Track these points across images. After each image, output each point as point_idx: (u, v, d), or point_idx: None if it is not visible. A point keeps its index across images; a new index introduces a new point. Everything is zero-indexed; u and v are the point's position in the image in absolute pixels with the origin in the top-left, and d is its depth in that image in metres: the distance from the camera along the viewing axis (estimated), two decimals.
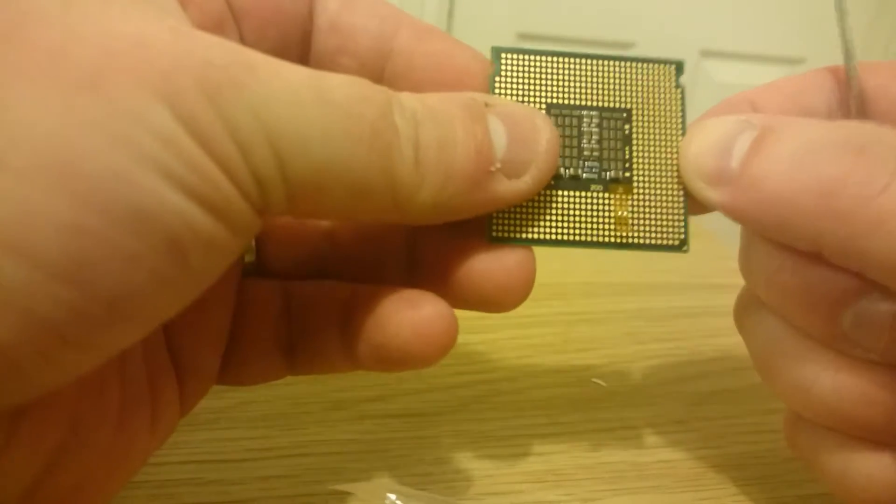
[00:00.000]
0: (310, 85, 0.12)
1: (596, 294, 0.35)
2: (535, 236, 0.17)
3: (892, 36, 1.03)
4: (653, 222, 0.17)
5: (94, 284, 0.10)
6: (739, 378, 0.27)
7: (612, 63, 0.17)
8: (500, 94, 0.17)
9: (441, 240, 0.17)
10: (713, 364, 0.28)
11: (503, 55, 0.17)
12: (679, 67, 0.18)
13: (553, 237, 0.17)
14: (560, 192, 0.17)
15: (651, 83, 0.17)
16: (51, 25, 0.10)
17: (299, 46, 0.17)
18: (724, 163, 0.15)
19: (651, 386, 0.26)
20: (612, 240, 0.17)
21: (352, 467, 0.20)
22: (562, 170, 0.17)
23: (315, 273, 0.18)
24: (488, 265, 0.16)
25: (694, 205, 0.17)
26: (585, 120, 0.17)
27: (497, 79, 0.17)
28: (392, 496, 0.19)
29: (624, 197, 0.17)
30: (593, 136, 0.17)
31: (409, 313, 0.15)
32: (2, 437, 0.11)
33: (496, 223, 0.17)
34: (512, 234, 0.17)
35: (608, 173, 0.17)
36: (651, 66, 0.17)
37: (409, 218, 0.14)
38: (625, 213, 0.17)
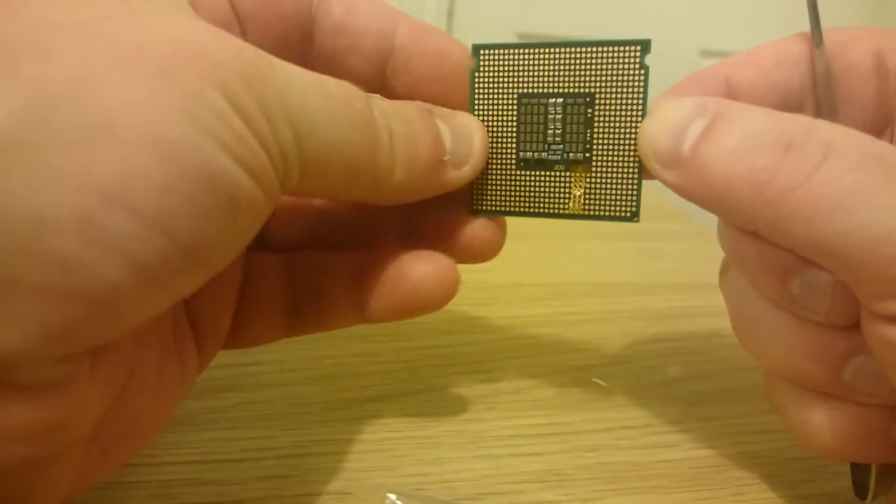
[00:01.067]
0: (314, 82, 0.15)
1: (596, 294, 0.35)
2: (508, 209, 0.20)
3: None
4: (607, 197, 0.19)
5: (179, 234, 0.12)
6: (739, 378, 0.27)
7: (578, 49, 0.18)
8: (478, 88, 0.20)
9: (430, 214, 0.21)
10: (713, 364, 0.28)
11: (481, 51, 0.19)
12: (645, 47, 0.18)
13: (522, 209, 0.20)
14: (528, 173, 0.20)
15: (615, 66, 0.18)
16: (125, 25, 0.12)
17: (297, 46, 0.19)
18: (677, 146, 0.17)
19: (651, 386, 0.26)
20: (571, 212, 0.19)
21: (352, 467, 0.20)
22: (530, 154, 0.19)
23: (313, 246, 0.21)
24: (472, 230, 0.20)
25: (647, 175, 0.18)
26: (551, 107, 0.19)
27: (476, 74, 0.19)
28: (392, 496, 0.19)
29: (582, 176, 0.19)
30: (557, 122, 0.19)
31: (428, 266, 0.19)
32: (88, 369, 0.13)
33: (476, 199, 0.20)
34: (488, 207, 0.20)
35: (569, 155, 0.19)
36: (615, 48, 0.18)
37: (384, 196, 0.18)
38: (580, 192, 0.19)
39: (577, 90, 0.18)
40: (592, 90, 0.18)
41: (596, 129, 0.18)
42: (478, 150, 0.19)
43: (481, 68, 0.19)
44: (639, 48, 0.18)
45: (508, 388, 0.25)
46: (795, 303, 0.17)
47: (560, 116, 0.19)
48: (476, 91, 0.19)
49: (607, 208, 0.19)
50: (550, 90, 0.19)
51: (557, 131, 0.19)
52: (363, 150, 0.16)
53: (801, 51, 0.20)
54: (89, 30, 0.12)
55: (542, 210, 0.20)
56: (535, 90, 0.19)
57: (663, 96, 0.19)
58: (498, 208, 0.20)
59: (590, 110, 0.18)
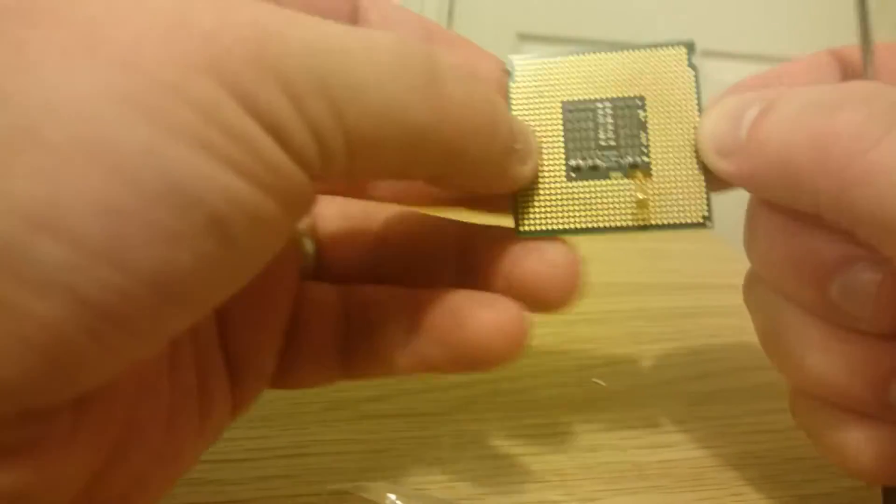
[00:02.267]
0: (354, 36, 0.12)
1: (596, 294, 0.35)
2: (561, 226, 0.18)
3: (892, 36, 1.03)
4: (674, 201, 0.17)
5: (137, 265, 0.09)
6: (739, 378, 0.27)
7: (621, 54, 0.18)
8: (516, 100, 0.18)
9: (489, 245, 0.17)
10: (713, 364, 0.28)
11: (516, 63, 0.18)
12: (690, 48, 0.18)
13: (578, 226, 0.17)
14: (581, 183, 0.18)
15: (663, 67, 0.18)
16: (88, 2, 0.10)
17: None
18: (734, 133, 0.16)
19: (651, 386, 0.26)
20: (635, 223, 0.17)
21: (352, 467, 0.20)
22: (580, 161, 0.18)
23: (368, 279, 0.19)
24: (534, 265, 0.17)
25: (713, 181, 0.17)
26: (600, 112, 0.18)
27: (512, 85, 0.18)
28: (392, 496, 0.19)
29: (644, 181, 0.17)
30: (609, 127, 0.18)
31: (488, 313, 0.16)
32: (67, 428, 0.11)
33: (522, 218, 0.18)
34: (539, 227, 0.18)
35: (626, 160, 0.18)
36: (662, 50, 0.18)
37: (454, 173, 0.15)
38: (645, 196, 0.17)
39: (626, 94, 0.18)
40: (643, 93, 0.18)
41: (651, 132, 0.18)
42: (535, 149, 0.17)
43: (517, 80, 0.18)
44: (685, 49, 0.18)
45: (508, 388, 0.25)
46: (835, 309, 0.15)
47: (611, 121, 0.18)
48: (513, 103, 0.18)
49: (676, 214, 0.17)
50: (597, 96, 0.18)
51: (610, 136, 0.18)
52: (426, 115, 0.13)
53: (833, 68, 0.18)
54: (36, 9, 0.10)
55: (601, 224, 0.17)
56: (581, 97, 0.18)
57: (718, 96, 0.18)
58: (550, 226, 0.18)
59: (642, 112, 0.18)
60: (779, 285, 0.17)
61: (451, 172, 0.15)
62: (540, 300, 0.17)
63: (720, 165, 0.16)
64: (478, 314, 0.16)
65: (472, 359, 0.16)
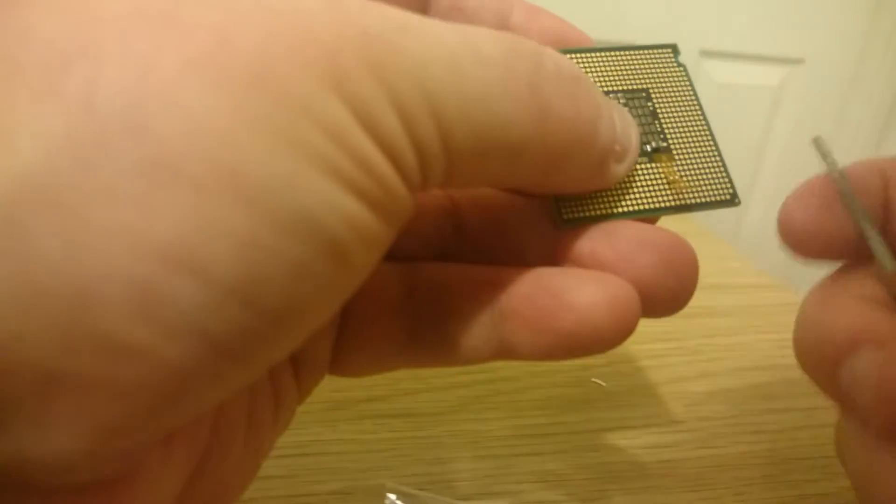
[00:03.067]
0: (463, 42, 0.11)
1: None
2: (602, 212, 0.17)
3: (892, 36, 1.03)
4: (702, 182, 0.18)
5: (265, 302, 0.09)
6: (739, 378, 0.27)
7: (617, 53, 0.19)
8: None
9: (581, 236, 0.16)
10: (713, 364, 0.28)
11: None
12: (674, 49, 0.19)
13: (617, 210, 0.17)
14: None
15: (656, 65, 0.19)
16: (208, 6, 0.09)
17: None
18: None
19: (651, 386, 0.26)
20: (672, 203, 0.17)
21: (352, 467, 0.20)
22: None
23: (431, 257, 0.17)
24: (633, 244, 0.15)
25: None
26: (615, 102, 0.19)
27: None
28: (392, 496, 0.19)
29: (669, 164, 0.18)
30: None
31: (600, 290, 0.14)
32: (161, 452, 0.11)
33: (564, 208, 0.17)
34: (581, 214, 0.17)
35: (649, 146, 0.18)
36: (650, 51, 0.19)
37: (545, 187, 0.14)
38: (676, 177, 0.18)
39: (632, 87, 0.19)
40: (646, 86, 0.19)
41: (663, 119, 0.18)
42: (635, 145, 0.16)
43: None
44: (670, 51, 0.19)
45: (508, 388, 0.25)
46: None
47: (626, 110, 0.18)
48: None
49: (707, 194, 0.18)
50: (608, 88, 0.19)
51: None
52: (531, 129, 0.12)
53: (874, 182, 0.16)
54: (158, 17, 0.09)
55: (638, 207, 0.17)
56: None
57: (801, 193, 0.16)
58: (591, 213, 0.17)
59: (650, 103, 0.19)
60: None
61: (546, 180, 0.14)
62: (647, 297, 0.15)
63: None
64: (586, 291, 0.14)
65: (577, 344, 0.14)
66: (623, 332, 0.14)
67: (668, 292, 0.15)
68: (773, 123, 1.11)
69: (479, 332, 0.15)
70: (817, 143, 0.17)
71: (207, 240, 0.08)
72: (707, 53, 1.05)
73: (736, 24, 1.04)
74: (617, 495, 0.20)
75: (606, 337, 0.14)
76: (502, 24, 0.17)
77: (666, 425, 0.24)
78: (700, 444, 0.23)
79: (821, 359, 0.14)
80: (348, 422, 0.22)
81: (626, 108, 0.18)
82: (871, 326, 0.14)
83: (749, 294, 0.31)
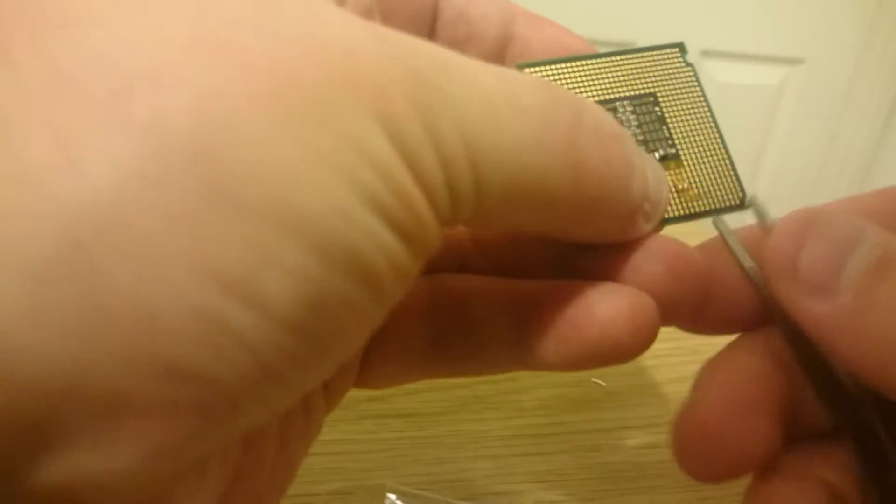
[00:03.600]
0: (502, 90, 0.11)
1: None
2: None
3: (893, 36, 1.03)
4: (710, 187, 0.17)
5: (314, 332, 0.09)
6: None
7: (621, 57, 0.18)
8: None
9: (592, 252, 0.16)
10: None
11: (526, 70, 0.18)
12: (681, 48, 0.18)
13: None
14: None
15: (663, 67, 0.18)
16: (260, 31, 0.09)
17: (426, 34, 0.17)
18: (833, 270, 0.13)
19: (651, 386, 0.26)
20: (681, 212, 0.17)
21: (352, 467, 0.20)
22: None
23: (455, 269, 0.17)
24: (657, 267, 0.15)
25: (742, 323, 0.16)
26: (620, 111, 0.18)
27: None
28: (392, 496, 0.19)
29: (677, 171, 0.17)
30: (632, 123, 0.18)
31: (621, 302, 0.14)
32: (197, 472, 0.11)
33: None
34: None
35: (657, 153, 0.18)
36: (656, 52, 0.18)
37: (579, 232, 0.14)
38: (685, 185, 0.17)
39: (639, 92, 0.18)
40: (653, 90, 0.18)
41: (671, 124, 0.18)
42: (664, 205, 0.15)
43: None
44: (677, 50, 0.18)
45: (508, 388, 0.25)
46: None
47: (633, 118, 0.18)
48: None
49: (715, 199, 0.17)
50: (614, 95, 0.18)
51: (636, 132, 0.18)
52: (563, 184, 0.12)
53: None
54: (216, 43, 0.09)
55: None
56: (600, 98, 0.18)
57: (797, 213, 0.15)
58: None
59: (657, 108, 0.18)
60: None
61: (571, 231, 0.14)
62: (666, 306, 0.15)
63: (800, 301, 0.14)
64: (608, 303, 0.14)
65: (600, 354, 0.14)
66: (643, 342, 0.14)
67: (674, 301, 0.15)
68: (773, 123, 1.11)
69: (502, 342, 0.16)
70: (753, 202, 0.17)
71: (263, 270, 0.09)
72: (707, 53, 1.05)
73: (736, 24, 1.04)
74: (617, 495, 0.20)
75: (628, 347, 0.14)
76: (506, 34, 0.17)
77: (666, 425, 0.24)
78: None
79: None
80: (348, 422, 0.22)
81: (633, 116, 0.18)
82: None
83: None
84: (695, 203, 0.17)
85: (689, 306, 0.15)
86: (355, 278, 0.10)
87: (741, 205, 0.18)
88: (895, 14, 1.02)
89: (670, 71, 0.18)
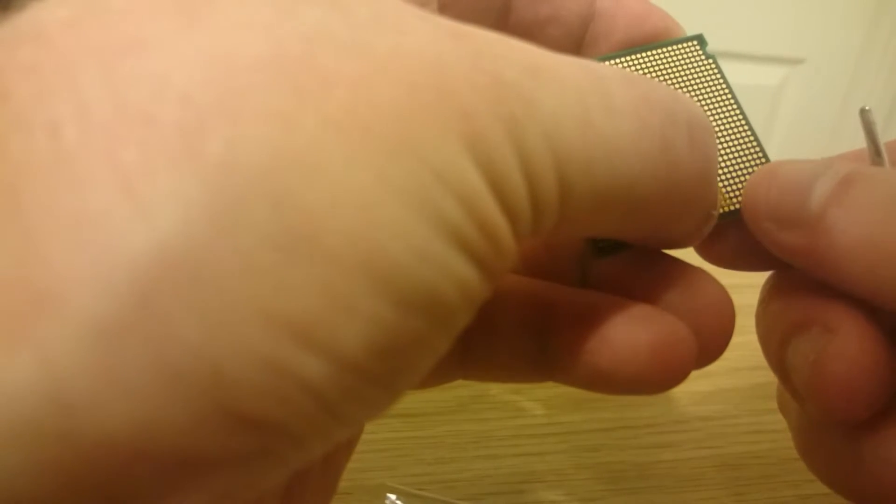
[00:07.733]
0: (594, 90, 0.10)
1: None
2: None
3: (893, 36, 1.03)
4: (743, 186, 0.16)
5: (386, 377, 0.09)
6: (739, 378, 0.27)
7: (641, 55, 0.18)
8: None
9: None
10: (713, 364, 0.28)
11: None
12: (700, 40, 0.18)
13: None
14: None
15: (684, 62, 0.18)
16: (341, 51, 0.08)
17: (493, 17, 0.16)
18: (800, 203, 0.13)
19: None
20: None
21: (352, 467, 0.20)
22: None
23: None
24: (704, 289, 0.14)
25: (760, 262, 0.16)
26: None
27: None
28: (392, 496, 0.19)
29: None
30: None
31: (643, 331, 0.13)
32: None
33: (599, 238, 0.16)
34: (615, 242, 0.16)
35: None
36: (675, 47, 0.18)
37: (655, 236, 0.13)
38: (717, 185, 0.17)
39: None
40: (677, 87, 0.17)
41: None
42: (717, 212, 0.15)
43: None
44: (696, 43, 0.18)
45: (508, 388, 0.25)
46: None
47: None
48: None
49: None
50: None
51: None
52: (655, 187, 0.11)
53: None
54: (296, 66, 0.08)
55: None
56: None
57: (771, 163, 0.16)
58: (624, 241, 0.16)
59: None
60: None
61: (648, 236, 0.13)
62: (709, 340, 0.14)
63: (779, 237, 0.13)
64: (628, 330, 0.13)
65: (614, 382, 0.13)
66: (670, 378, 0.13)
67: (708, 350, 0.14)
68: (773, 123, 1.11)
69: (523, 350, 0.15)
70: (863, 115, 0.16)
71: (337, 318, 0.08)
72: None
73: (736, 24, 1.04)
74: (617, 495, 0.20)
75: (648, 380, 0.13)
76: (588, 12, 0.17)
77: (666, 425, 0.24)
78: (700, 444, 0.23)
79: (770, 340, 0.14)
80: None
81: None
82: (818, 310, 0.14)
83: (749, 294, 0.32)
84: (726, 204, 0.16)
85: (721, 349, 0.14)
86: (430, 318, 0.09)
87: None
88: (895, 14, 1.02)
89: (692, 66, 0.18)
